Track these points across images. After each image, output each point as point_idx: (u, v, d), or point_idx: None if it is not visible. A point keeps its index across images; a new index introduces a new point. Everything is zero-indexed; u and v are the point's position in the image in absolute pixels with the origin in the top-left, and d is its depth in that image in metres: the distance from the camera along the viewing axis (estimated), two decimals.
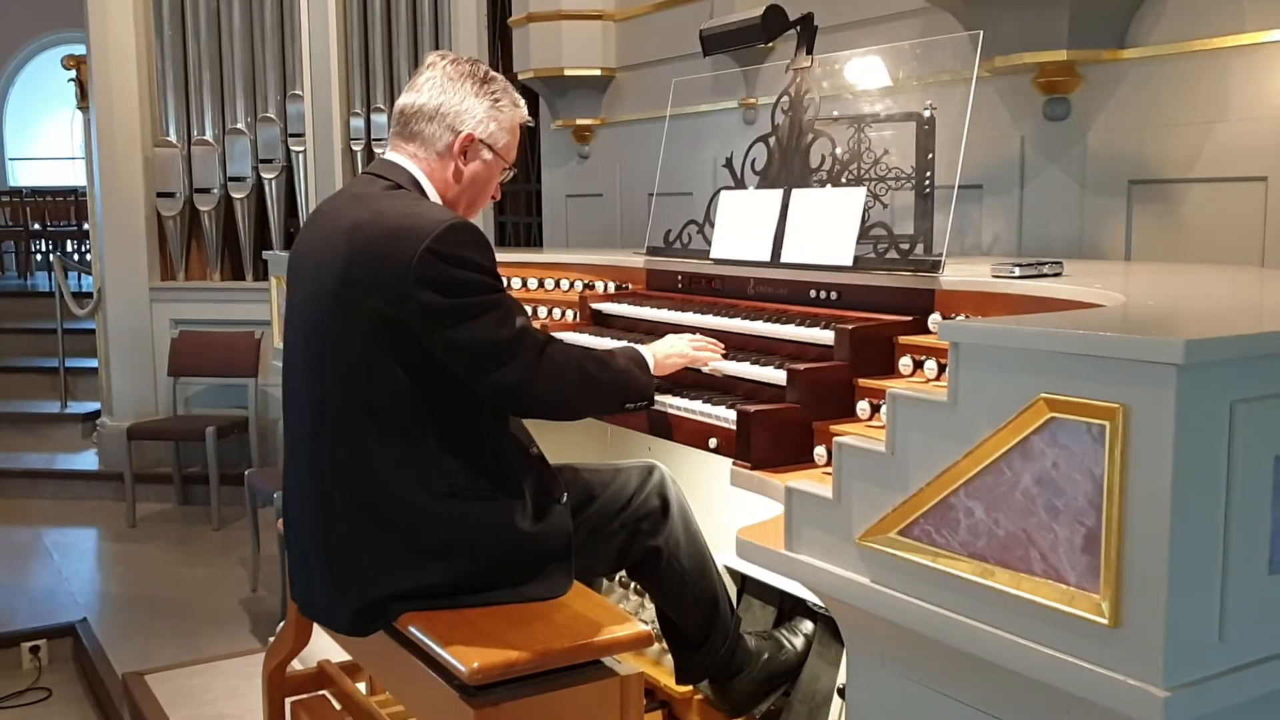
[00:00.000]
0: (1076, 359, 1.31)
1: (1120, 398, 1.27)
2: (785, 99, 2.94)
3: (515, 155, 2.54)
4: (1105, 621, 1.30)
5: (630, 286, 3.43)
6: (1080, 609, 1.33)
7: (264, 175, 6.89)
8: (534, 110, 5.99)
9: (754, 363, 2.57)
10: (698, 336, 2.68)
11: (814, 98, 2.88)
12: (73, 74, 7.31)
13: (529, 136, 6.13)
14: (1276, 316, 1.64)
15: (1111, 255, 3.20)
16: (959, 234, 3.65)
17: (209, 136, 6.99)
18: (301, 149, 6.68)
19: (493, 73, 2.49)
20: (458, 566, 2.30)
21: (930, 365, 2.28)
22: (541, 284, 3.61)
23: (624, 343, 2.83)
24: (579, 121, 5.37)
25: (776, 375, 2.44)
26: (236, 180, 6.97)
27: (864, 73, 2.89)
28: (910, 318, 2.48)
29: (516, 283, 3.64)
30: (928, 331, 2.42)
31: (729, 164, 3.09)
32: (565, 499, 2.45)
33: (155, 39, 6.92)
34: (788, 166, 2.91)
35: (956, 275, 2.47)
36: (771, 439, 2.30)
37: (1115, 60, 3.13)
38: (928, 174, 2.99)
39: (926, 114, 3.09)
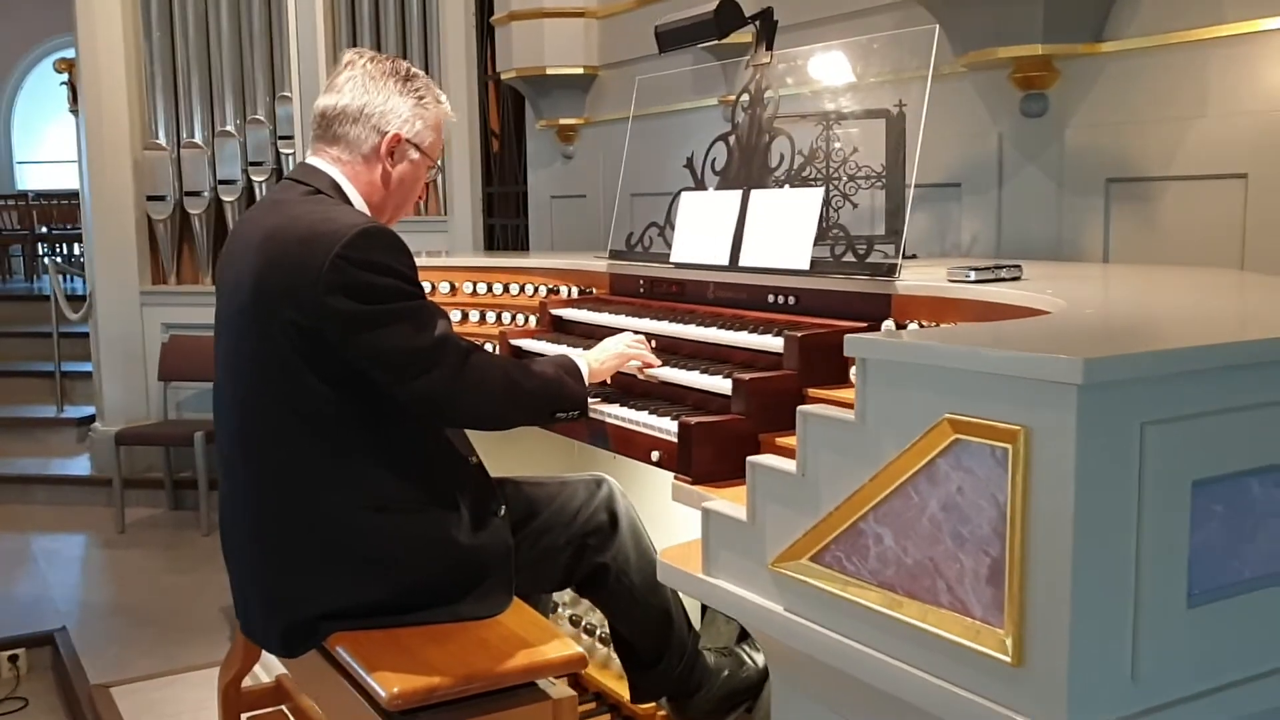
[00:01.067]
0: (979, 377, 1.21)
1: (1022, 419, 1.17)
2: (745, 96, 2.84)
3: (439, 152, 2.46)
4: (1009, 659, 1.20)
5: (595, 291, 3.33)
6: (984, 645, 1.23)
7: (254, 178, 6.83)
8: (519, 111, 5.93)
9: (703, 371, 2.47)
10: (628, 336, 2.58)
11: (774, 95, 2.78)
12: (65, 77, 7.27)
13: (515, 137, 6.06)
14: (1220, 329, 1.53)
15: (1090, 256, 3.09)
16: (939, 234, 3.54)
17: (198, 139, 6.94)
18: (291, 151, 6.62)
19: (414, 69, 2.41)
20: (389, 584, 2.22)
21: None
22: (506, 289, 3.53)
23: (562, 349, 2.75)
24: (562, 121, 5.28)
25: (723, 385, 2.34)
26: (227, 183, 6.92)
27: (826, 68, 2.79)
28: (865, 324, 2.38)
29: (482, 288, 3.56)
30: None
31: (689, 164, 2.99)
32: (504, 512, 2.37)
33: (144, 41, 6.87)
34: (747, 166, 2.81)
35: (914, 279, 2.36)
36: (714, 452, 2.20)
37: (1092, 54, 3.02)
38: (899, 173, 2.90)
39: (896, 111, 2.99)
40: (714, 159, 2.93)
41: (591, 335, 3.02)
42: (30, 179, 15.13)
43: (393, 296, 2.14)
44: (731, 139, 2.87)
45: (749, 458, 1.60)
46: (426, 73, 6.22)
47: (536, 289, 3.47)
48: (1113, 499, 1.16)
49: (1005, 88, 3.25)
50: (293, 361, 2.15)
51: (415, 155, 2.37)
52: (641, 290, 3.12)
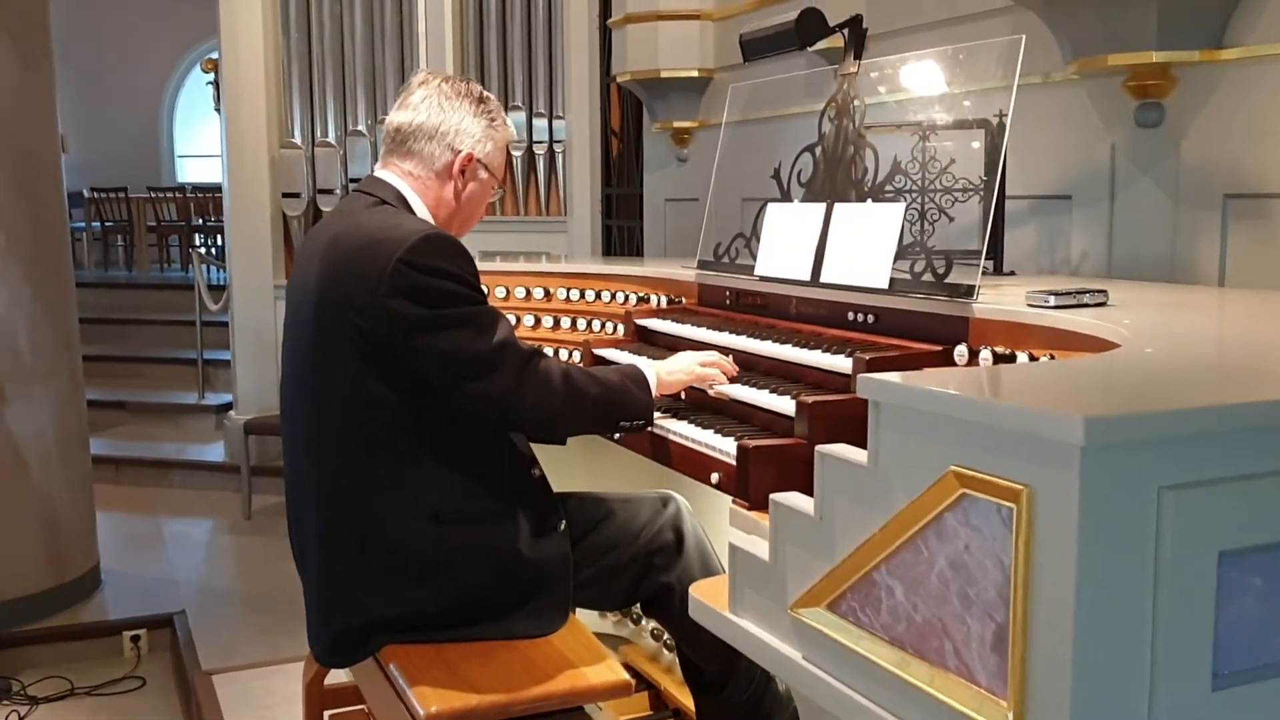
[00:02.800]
0: (984, 430, 1.12)
1: (1026, 477, 1.08)
2: (832, 106, 2.76)
3: (504, 174, 2.49)
4: None
5: (684, 301, 3.28)
6: (987, 717, 1.14)
7: None
8: (639, 112, 5.90)
9: (772, 390, 2.40)
10: (711, 354, 2.53)
11: (861, 105, 2.69)
12: (210, 77, 7.56)
13: (635, 139, 6.04)
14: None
15: (1204, 277, 2.90)
16: (1047, 248, 3.38)
17: (331, 138, 7.12)
18: None
19: (486, 92, 2.43)
20: (442, 595, 2.22)
21: None
22: (599, 296, 3.51)
23: (630, 358, 2.71)
24: (677, 124, 5.24)
25: (788, 405, 2.27)
26: (356, 181, 7.07)
27: (917, 77, 2.68)
28: (940, 347, 2.27)
29: (575, 294, 3.55)
30: (954, 363, 2.22)
31: (776, 174, 2.92)
32: (564, 526, 2.34)
33: (282, 41, 7.09)
34: (831, 179, 2.72)
35: (992, 303, 2.25)
36: (774, 477, 2.13)
37: (1212, 61, 2.83)
38: (996, 186, 2.77)
39: (996, 121, 2.86)
40: (800, 170, 2.86)
41: (674, 347, 2.97)
42: (189, 172, 15.84)
43: (454, 301, 2.15)
44: (817, 150, 2.79)
45: (772, 495, 1.54)
46: (550, 73, 6.32)
47: (627, 297, 3.43)
48: (1123, 569, 1.06)
49: (1119, 96, 3.07)
50: (356, 367, 2.17)
51: (484, 175, 2.40)
52: (728, 302, 3.07)
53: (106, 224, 13.14)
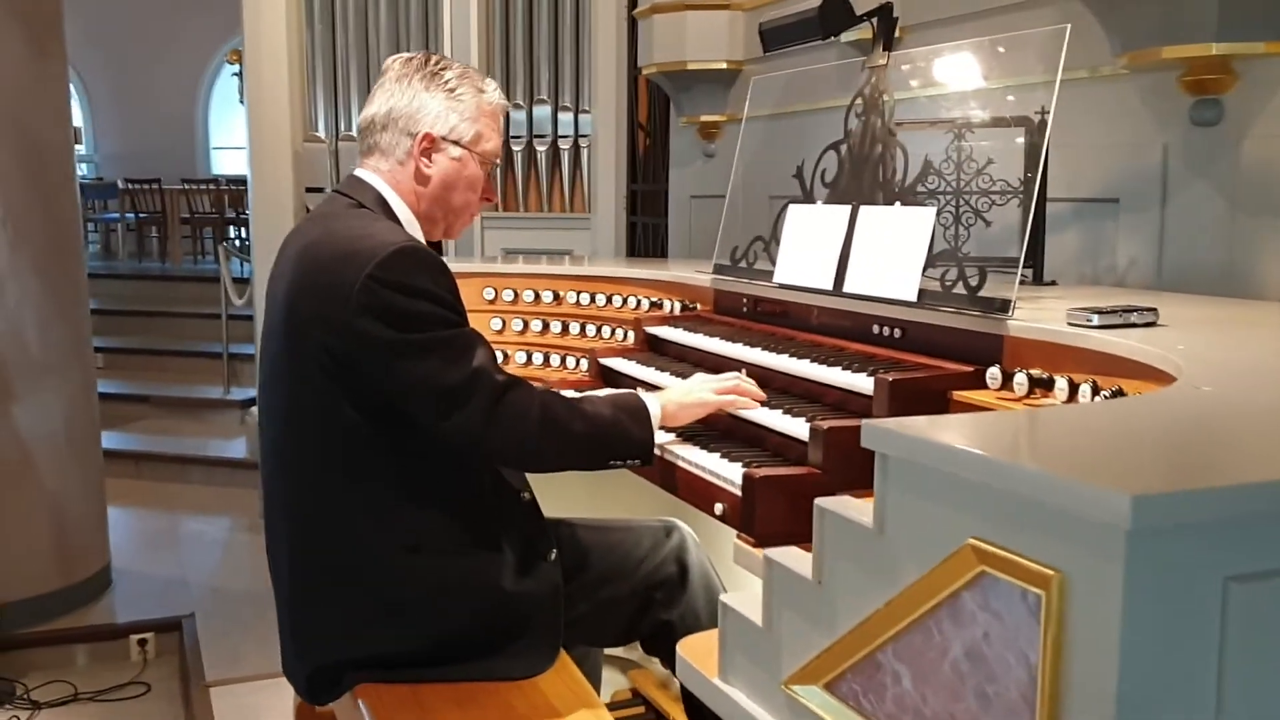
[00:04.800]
0: (1008, 498, 0.92)
1: (1057, 560, 0.88)
2: (859, 101, 2.55)
3: (495, 145, 2.24)
4: None
5: (699, 307, 3.09)
6: None
7: None
8: (666, 106, 5.70)
9: (785, 411, 2.20)
10: (729, 377, 2.31)
11: (890, 100, 2.48)
12: (237, 68, 7.44)
13: (662, 133, 5.84)
14: None
15: (1266, 290, 2.66)
16: (1091, 255, 3.15)
17: (355, 132, 6.97)
18: None
19: (446, 60, 2.21)
20: (420, 632, 2.05)
21: None
22: (609, 300, 3.32)
23: (650, 372, 2.51)
24: (704, 118, 5.04)
25: (802, 429, 2.07)
26: None
27: (950, 71, 2.47)
28: (972, 368, 2.07)
29: (585, 298, 3.36)
30: (986, 386, 2.01)
31: (798, 174, 2.71)
32: (554, 555, 2.15)
33: (306, 33, 6.94)
34: (857, 179, 2.52)
35: (1029, 319, 2.04)
36: (783, 510, 1.93)
37: (1277, 55, 2.59)
38: (1037, 188, 2.56)
39: (1038, 118, 2.64)
40: (824, 169, 2.65)
41: (683, 357, 2.79)
42: (223, 164, 15.79)
43: (426, 323, 1.96)
44: (843, 148, 2.58)
45: (765, 550, 1.34)
46: (576, 66, 6.13)
47: (639, 302, 3.24)
48: (1178, 677, 0.86)
49: (1173, 92, 2.84)
50: (324, 385, 1.99)
51: (457, 152, 2.17)
52: (745, 310, 2.87)
53: (141, 215, 13.11)
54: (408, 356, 1.94)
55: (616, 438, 2.11)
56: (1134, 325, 1.92)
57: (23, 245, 4.64)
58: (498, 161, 2.26)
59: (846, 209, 2.50)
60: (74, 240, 5.08)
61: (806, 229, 2.63)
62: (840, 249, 2.48)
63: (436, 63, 2.20)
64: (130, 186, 13.00)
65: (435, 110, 2.15)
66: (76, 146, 15.34)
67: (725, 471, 2.07)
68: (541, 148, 6.35)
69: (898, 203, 2.37)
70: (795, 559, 1.28)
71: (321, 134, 7.04)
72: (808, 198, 2.68)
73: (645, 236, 6.07)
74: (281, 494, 2.12)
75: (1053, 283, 2.74)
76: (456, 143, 2.17)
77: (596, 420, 2.09)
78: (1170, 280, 2.89)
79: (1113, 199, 3.05)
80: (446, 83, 2.17)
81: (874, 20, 2.46)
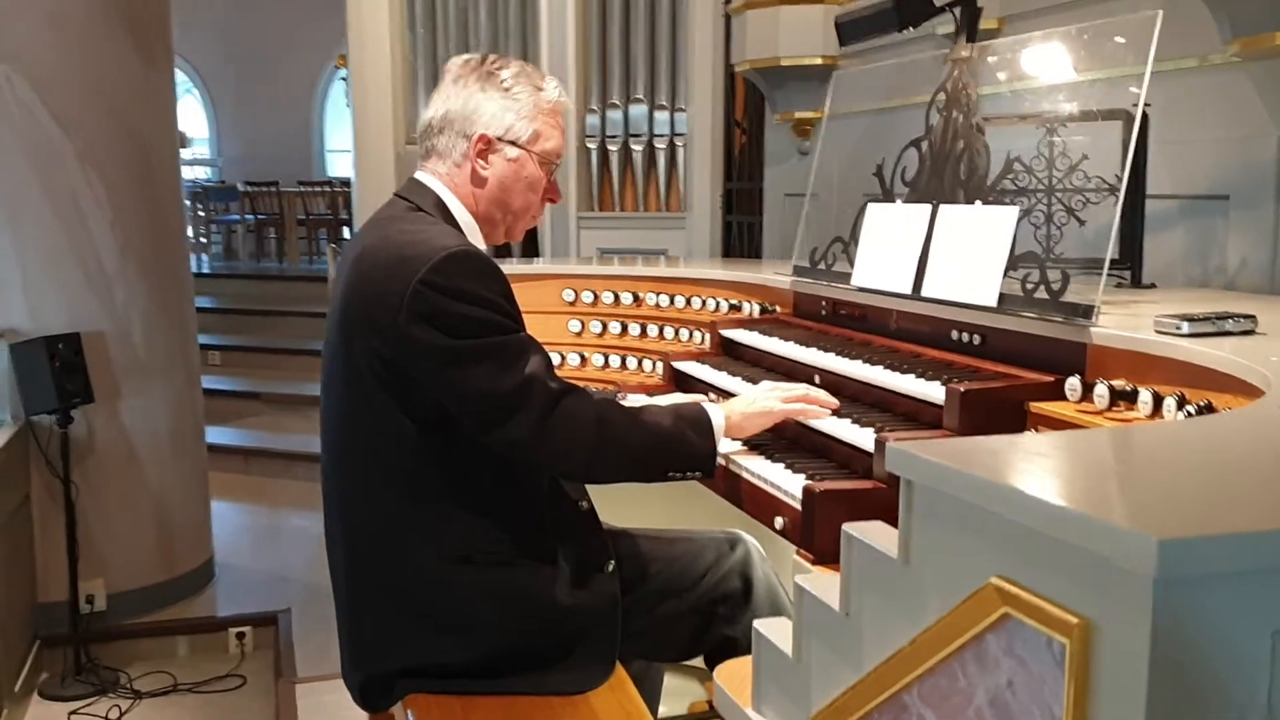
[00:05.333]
0: (1030, 535, 0.82)
1: (1083, 606, 0.78)
2: (941, 95, 2.43)
3: (556, 144, 2.17)
4: None
5: (778, 310, 3.00)
6: None
7: None
8: (760, 104, 5.60)
9: (854, 420, 2.10)
10: (798, 387, 2.22)
11: (974, 94, 2.36)
12: (344, 72, 7.56)
13: (758, 131, 5.74)
14: None
15: None
16: (1199, 254, 2.97)
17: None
18: None
19: (502, 60, 2.14)
20: (472, 644, 2.00)
21: None
22: (689, 302, 3.25)
23: (722, 377, 2.43)
24: (798, 115, 4.93)
25: (868, 440, 1.97)
26: None
27: (1038, 63, 2.33)
28: (1053, 378, 1.94)
29: (665, 300, 3.30)
30: (1065, 398, 1.88)
31: (878, 172, 2.60)
32: (612, 567, 2.09)
33: (409, 37, 7.02)
34: (938, 177, 2.40)
35: (1115, 326, 1.91)
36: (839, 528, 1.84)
37: None
38: (1134, 185, 2.42)
39: (1137, 111, 2.49)
40: (904, 167, 2.54)
41: (758, 362, 2.71)
42: (338, 167, 16.12)
43: (479, 330, 1.91)
44: (924, 145, 2.47)
45: (796, 578, 1.26)
46: (673, 64, 6.06)
47: (718, 304, 3.16)
48: None
49: None
50: (375, 391, 1.96)
51: (514, 152, 2.11)
52: (823, 313, 2.77)
53: (260, 217, 13.46)
54: (459, 363, 1.90)
55: (677, 448, 2.04)
56: (1228, 334, 1.77)
57: (130, 248, 4.76)
58: (557, 161, 2.20)
59: (927, 208, 2.39)
60: (179, 244, 5.19)
61: (886, 229, 2.52)
62: (920, 250, 2.37)
63: (493, 62, 2.15)
64: (250, 189, 13.35)
65: (491, 110, 2.10)
66: (201, 151, 15.74)
67: (786, 483, 1.98)
68: (637, 147, 6.30)
69: (979, 202, 2.25)
70: (825, 587, 1.19)
71: None
72: (887, 196, 2.57)
73: (741, 235, 5.97)
74: (337, 500, 2.10)
75: (1152, 285, 2.58)
76: (514, 143, 2.11)
77: (656, 430, 2.03)
78: None
79: (1223, 196, 2.87)
80: (502, 82, 2.13)
81: (956, 10, 2.34)
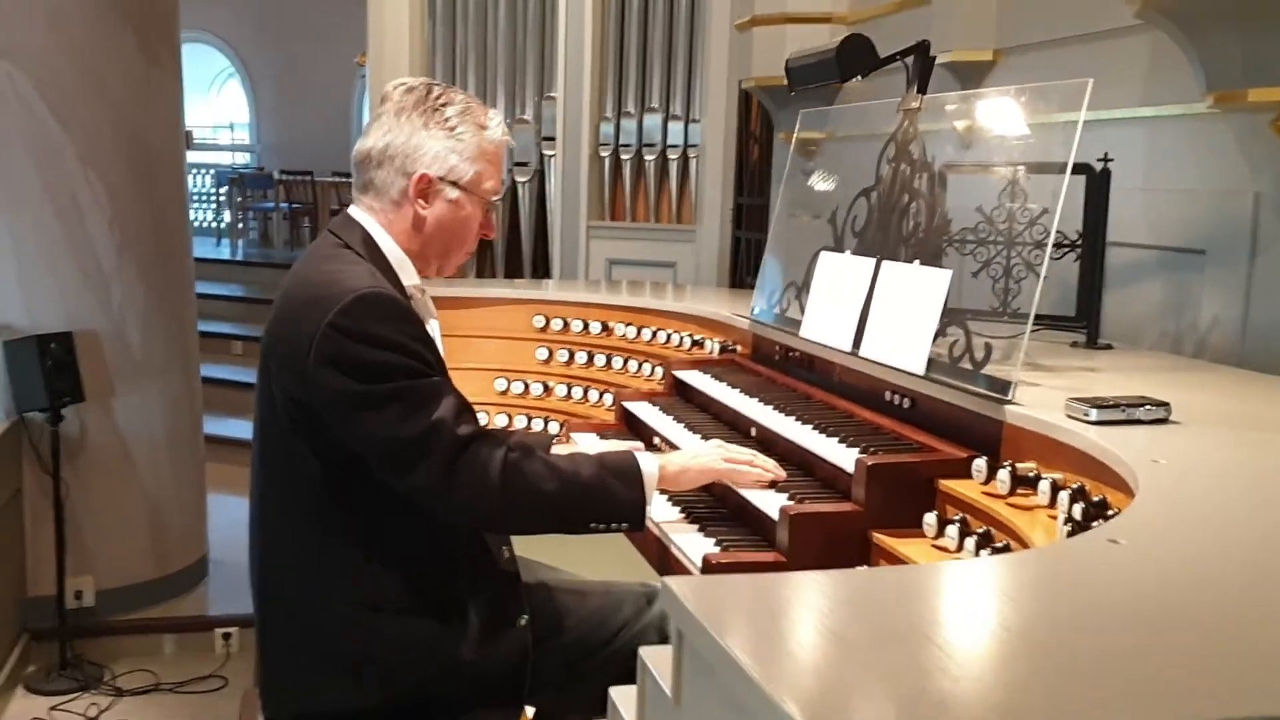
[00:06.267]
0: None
1: None
2: (891, 146, 2.37)
3: (495, 184, 2.12)
4: None
5: (739, 350, 2.95)
6: None
7: (518, 179, 6.83)
8: (766, 121, 5.53)
9: (773, 485, 2.06)
10: (745, 451, 2.15)
11: (920, 147, 2.30)
12: (365, 71, 7.58)
13: (763, 146, 5.68)
14: None
15: None
16: (1174, 309, 2.88)
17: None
18: (553, 153, 6.56)
19: (450, 94, 2.08)
20: (378, 691, 1.99)
21: (952, 531, 1.71)
22: (655, 335, 3.21)
23: (668, 422, 2.40)
24: (802, 135, 4.85)
25: (774, 507, 1.93)
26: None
27: (989, 115, 2.27)
28: (965, 454, 1.89)
29: (631, 332, 3.26)
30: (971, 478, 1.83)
31: (832, 219, 2.55)
32: (525, 620, 2.06)
33: (428, 35, 7.01)
34: (884, 230, 2.35)
35: (1028, 406, 1.85)
36: None
37: None
38: (1094, 242, 2.35)
39: (1100, 166, 2.43)
40: (855, 216, 2.48)
41: (706, 407, 2.67)
42: None
43: (386, 374, 1.89)
44: (873, 195, 2.41)
45: (610, 688, 1.22)
46: (689, 75, 6.00)
47: (682, 339, 3.13)
48: None
49: (1267, 136, 2.57)
50: (289, 432, 1.95)
51: (454, 194, 2.06)
52: (777, 358, 2.73)
53: (294, 206, 13.57)
54: (366, 407, 1.87)
55: (598, 499, 1.99)
56: (1139, 422, 1.71)
57: (129, 249, 4.79)
58: (495, 200, 2.16)
59: (871, 262, 2.33)
60: (182, 244, 5.22)
61: (835, 279, 2.47)
62: (862, 306, 2.32)
63: (438, 97, 2.10)
64: (285, 178, 13.47)
65: (433, 150, 2.06)
66: (241, 136, 15.85)
67: (690, 549, 1.96)
68: (650, 157, 6.26)
69: (918, 260, 2.20)
70: (661, 661, 1.12)
71: None
72: (838, 245, 2.52)
73: (749, 252, 5.91)
74: (255, 533, 2.09)
75: (1108, 346, 2.50)
76: (455, 184, 2.07)
77: (574, 479, 1.98)
78: (1256, 344, 2.62)
79: (1199, 250, 2.79)
80: (447, 120, 2.08)
81: (907, 60, 2.27)
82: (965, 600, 1.05)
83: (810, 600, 0.98)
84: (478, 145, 2.09)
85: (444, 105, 2.07)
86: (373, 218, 2.09)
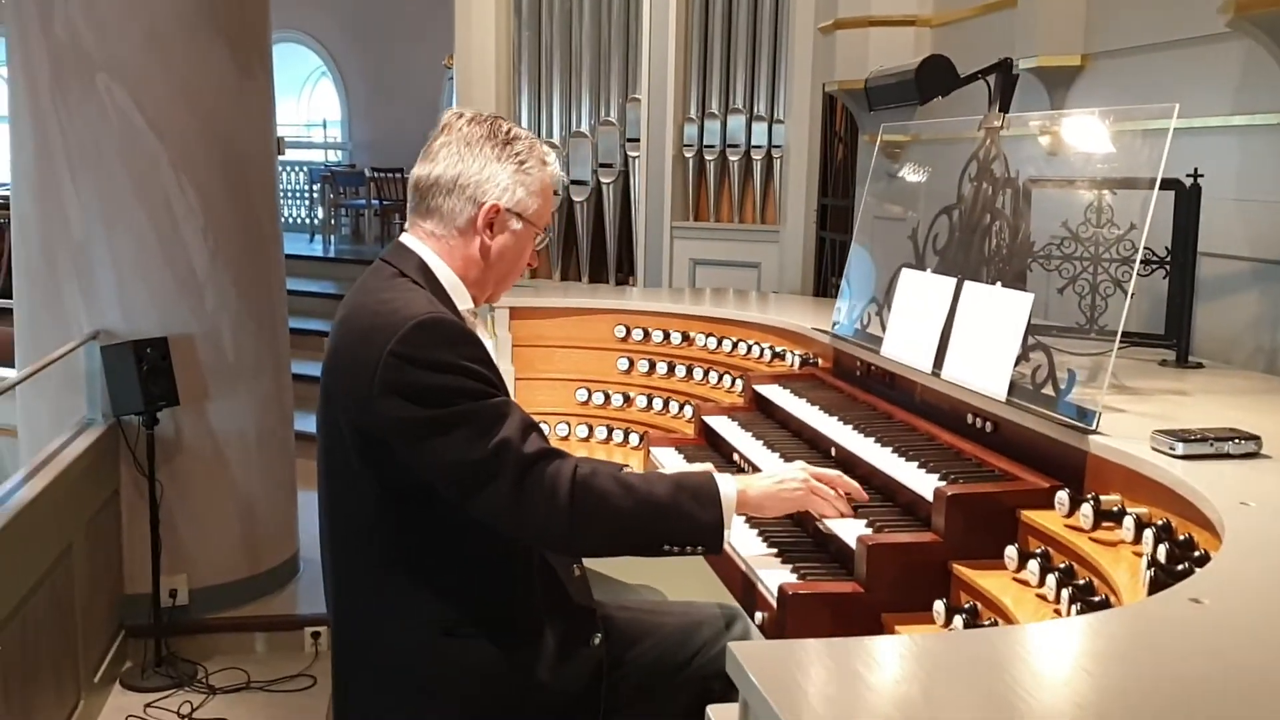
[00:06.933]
0: None
1: None
2: (973, 164, 2.33)
3: (549, 218, 2.17)
4: None
5: (820, 363, 2.93)
6: None
7: (603, 179, 6.85)
8: (850, 122, 5.47)
9: (855, 510, 2.04)
10: (832, 472, 2.12)
11: (1003, 166, 2.25)
12: (452, 72, 7.67)
13: (849, 147, 5.62)
14: None
15: None
16: (1270, 325, 2.79)
17: (556, 138, 7.06)
18: (638, 154, 6.57)
19: (516, 129, 2.11)
20: (451, 714, 2.01)
21: (1034, 565, 1.68)
22: (736, 346, 3.20)
23: (747, 439, 2.39)
24: (887, 137, 4.79)
25: (853, 539, 1.91)
26: (578, 184, 6.99)
27: (1074, 134, 2.22)
28: (1048, 484, 1.85)
29: (713, 343, 3.26)
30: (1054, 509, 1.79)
31: (913, 235, 2.52)
32: (599, 640, 2.07)
33: (513, 37, 7.06)
34: (965, 250, 2.31)
35: (1113, 437, 1.80)
36: (823, 630, 1.80)
37: None
38: (1185, 258, 2.29)
39: (1189, 182, 2.36)
40: (936, 234, 2.45)
41: (786, 424, 2.65)
42: None
43: (450, 399, 1.91)
44: (955, 214, 2.37)
45: (709, 708, 1.22)
46: (773, 76, 5.98)
47: (763, 351, 3.11)
48: None
49: None
50: (354, 461, 1.98)
51: (517, 225, 2.10)
52: (858, 374, 2.70)
53: (385, 202, 13.78)
54: (432, 433, 1.90)
55: (672, 520, 1.97)
56: (1228, 456, 1.66)
57: (222, 254, 4.90)
58: (547, 232, 2.19)
59: (953, 282, 2.30)
60: (274, 248, 5.33)
61: (916, 297, 2.44)
62: (943, 326, 2.29)
63: (507, 131, 2.13)
64: (376, 175, 13.68)
65: (504, 182, 2.08)
66: (334, 134, 16.06)
67: (767, 577, 1.94)
68: (734, 158, 6.24)
69: (999, 283, 2.16)
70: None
71: None
72: (920, 263, 2.48)
73: (833, 252, 5.86)
74: (326, 560, 2.13)
75: (1199, 365, 2.44)
76: (520, 215, 2.10)
77: (648, 499, 1.96)
78: None
79: None
80: (517, 154, 2.11)
81: (990, 78, 2.23)
82: (1042, 672, 1.04)
83: (884, 671, 0.97)
84: (541, 180, 2.12)
85: (514, 140, 2.10)
86: (429, 244, 2.11)
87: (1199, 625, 1.09)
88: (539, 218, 2.11)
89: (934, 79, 2.25)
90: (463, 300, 2.10)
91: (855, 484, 2.10)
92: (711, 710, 1.16)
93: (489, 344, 2.16)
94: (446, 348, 1.90)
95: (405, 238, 2.14)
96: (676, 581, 2.61)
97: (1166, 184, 2.39)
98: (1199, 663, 1.01)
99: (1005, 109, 2.25)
